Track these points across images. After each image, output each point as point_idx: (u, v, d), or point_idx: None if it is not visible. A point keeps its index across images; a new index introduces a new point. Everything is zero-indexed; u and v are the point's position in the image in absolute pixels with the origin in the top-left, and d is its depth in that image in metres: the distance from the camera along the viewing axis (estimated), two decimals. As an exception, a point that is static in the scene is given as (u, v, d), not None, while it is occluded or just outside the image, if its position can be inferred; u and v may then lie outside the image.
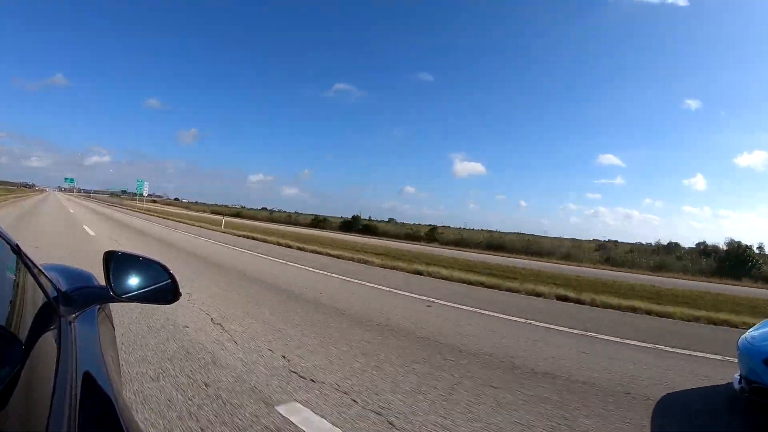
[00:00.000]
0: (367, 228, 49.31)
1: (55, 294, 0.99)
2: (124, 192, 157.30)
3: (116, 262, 1.10)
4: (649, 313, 6.69)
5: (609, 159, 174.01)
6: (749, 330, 3.19)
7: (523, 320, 5.37)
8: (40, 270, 0.96)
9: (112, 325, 1.50)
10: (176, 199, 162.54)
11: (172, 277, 1.12)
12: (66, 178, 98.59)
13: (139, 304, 2.19)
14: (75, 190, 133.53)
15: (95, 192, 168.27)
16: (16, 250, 0.89)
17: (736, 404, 2.91)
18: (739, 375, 2.87)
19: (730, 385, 3.05)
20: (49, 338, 0.79)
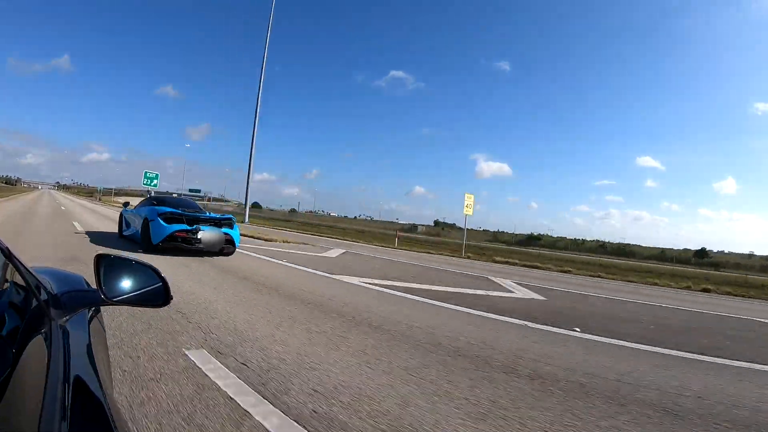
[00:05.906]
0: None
1: (46, 297, 0.98)
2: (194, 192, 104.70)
3: (107, 266, 1.10)
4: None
5: (647, 161, 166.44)
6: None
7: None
8: (30, 273, 0.95)
9: (103, 328, 1.49)
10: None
11: (163, 280, 1.12)
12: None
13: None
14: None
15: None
16: (6, 252, 0.88)
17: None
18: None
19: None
20: (39, 341, 0.79)
